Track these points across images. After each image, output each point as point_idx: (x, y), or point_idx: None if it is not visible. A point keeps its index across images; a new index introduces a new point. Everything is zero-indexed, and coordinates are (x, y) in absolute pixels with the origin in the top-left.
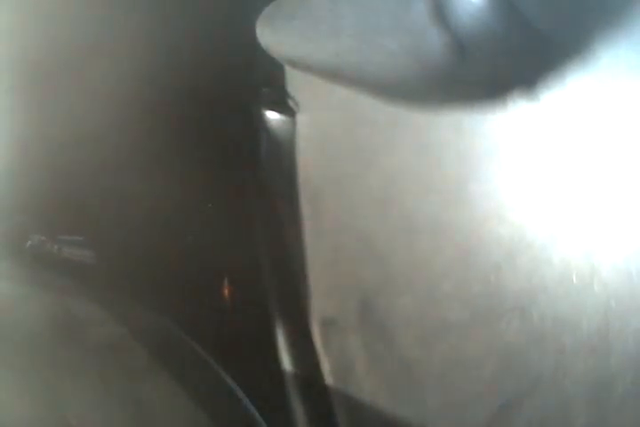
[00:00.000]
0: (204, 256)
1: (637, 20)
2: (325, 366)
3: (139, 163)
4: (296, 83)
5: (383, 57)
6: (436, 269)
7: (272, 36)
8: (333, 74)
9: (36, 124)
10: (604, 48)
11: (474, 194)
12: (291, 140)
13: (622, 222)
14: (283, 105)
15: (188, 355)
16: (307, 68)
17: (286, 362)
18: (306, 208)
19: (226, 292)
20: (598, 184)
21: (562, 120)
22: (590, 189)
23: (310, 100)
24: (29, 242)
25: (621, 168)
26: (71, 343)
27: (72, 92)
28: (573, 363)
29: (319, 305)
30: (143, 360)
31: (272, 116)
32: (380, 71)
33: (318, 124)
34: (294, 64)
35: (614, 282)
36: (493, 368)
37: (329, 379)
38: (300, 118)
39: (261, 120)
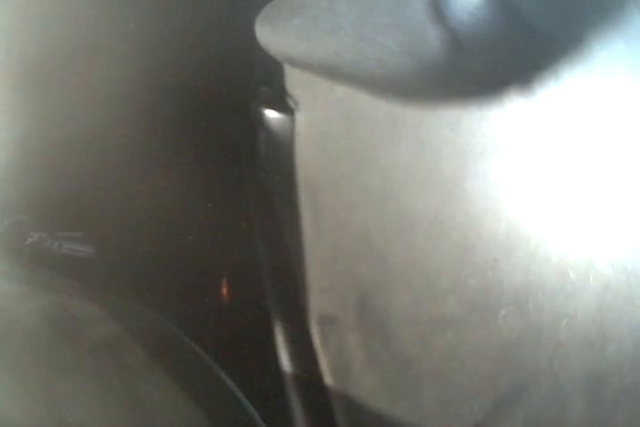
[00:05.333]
0: (203, 256)
1: (633, 19)
2: (324, 365)
3: (138, 162)
4: (295, 81)
5: (382, 55)
6: (433, 266)
7: (271, 34)
8: (332, 72)
9: (36, 123)
10: (601, 46)
11: (471, 191)
12: (289, 138)
13: (618, 218)
14: (281, 104)
15: (187, 354)
16: (306, 66)
17: (285, 361)
18: (304, 207)
19: (225, 291)
20: (594, 181)
21: (558, 118)
22: (586, 185)
23: (309, 99)
24: (30, 239)
25: (617, 165)
26: (69, 342)
27: (72, 92)
28: (570, 357)
29: (317, 304)
30: (142, 360)
31: (271, 114)
32: (379, 69)
33: (317, 123)
34: (293, 62)
35: (610, 276)
36: (490, 363)
37: (327, 377)
38: (299, 117)
39: (260, 119)
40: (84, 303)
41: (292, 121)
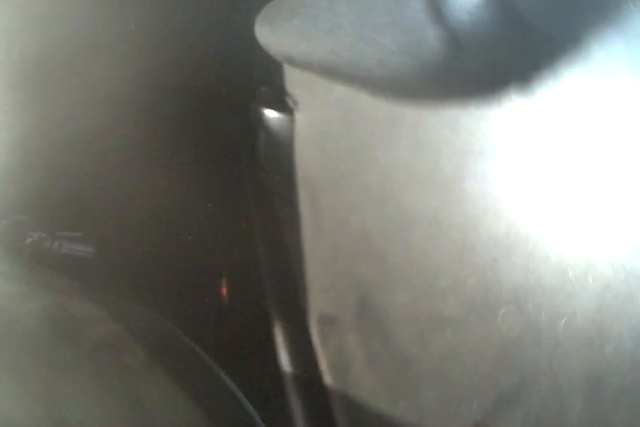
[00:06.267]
0: (203, 256)
1: (632, 18)
2: (323, 364)
3: (138, 162)
4: (294, 81)
5: (381, 55)
6: (432, 265)
7: (271, 34)
8: (332, 72)
9: (36, 123)
10: (599, 46)
11: (470, 191)
12: (289, 138)
13: (617, 217)
14: (281, 104)
15: (187, 354)
16: (305, 66)
17: (285, 361)
18: (304, 206)
19: (225, 291)
20: (593, 180)
21: (557, 117)
22: (585, 185)
23: (308, 99)
24: (30, 239)
25: (616, 165)
26: (69, 342)
27: (72, 92)
28: (569, 356)
29: (317, 303)
30: (142, 360)
31: (270, 114)
32: (378, 69)
33: (316, 123)
34: (293, 62)
35: (609, 276)
36: (490, 363)
37: (327, 377)
38: (299, 117)
39: (260, 119)
40: (83, 303)
41: (292, 121)
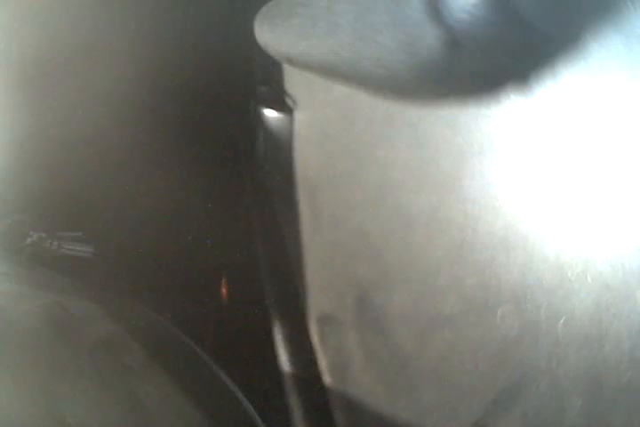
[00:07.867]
0: (203, 256)
1: (630, 17)
2: (323, 364)
3: (138, 162)
4: (293, 81)
5: (380, 54)
6: (431, 264)
7: (270, 34)
8: (330, 71)
9: (36, 123)
10: (598, 45)
11: (469, 189)
12: (288, 138)
13: (616, 216)
14: (280, 103)
15: (187, 354)
16: (304, 65)
17: (284, 360)
18: (303, 206)
19: (224, 291)
20: (592, 179)
21: (556, 116)
22: (583, 183)
23: (307, 98)
24: (30, 239)
25: (615, 164)
26: (69, 342)
27: (72, 92)
28: (568, 355)
29: (316, 303)
30: (141, 359)
31: (270, 114)
32: (377, 68)
33: (315, 122)
34: (292, 62)
35: (607, 274)
36: (488, 362)
37: (326, 376)
38: (298, 116)
39: (259, 118)
40: (83, 303)
41: (291, 120)
